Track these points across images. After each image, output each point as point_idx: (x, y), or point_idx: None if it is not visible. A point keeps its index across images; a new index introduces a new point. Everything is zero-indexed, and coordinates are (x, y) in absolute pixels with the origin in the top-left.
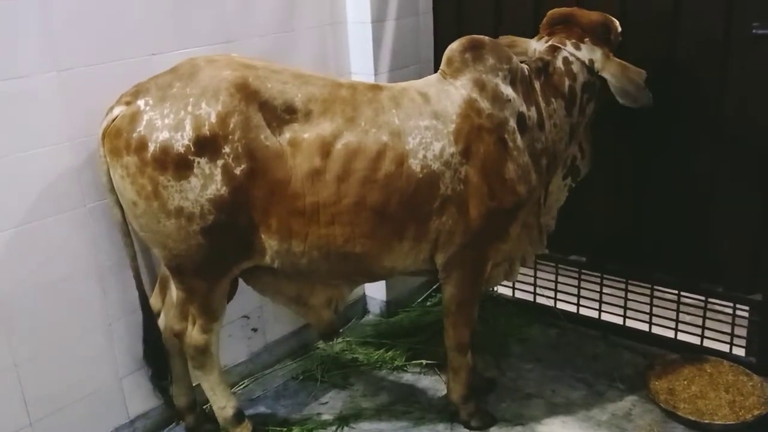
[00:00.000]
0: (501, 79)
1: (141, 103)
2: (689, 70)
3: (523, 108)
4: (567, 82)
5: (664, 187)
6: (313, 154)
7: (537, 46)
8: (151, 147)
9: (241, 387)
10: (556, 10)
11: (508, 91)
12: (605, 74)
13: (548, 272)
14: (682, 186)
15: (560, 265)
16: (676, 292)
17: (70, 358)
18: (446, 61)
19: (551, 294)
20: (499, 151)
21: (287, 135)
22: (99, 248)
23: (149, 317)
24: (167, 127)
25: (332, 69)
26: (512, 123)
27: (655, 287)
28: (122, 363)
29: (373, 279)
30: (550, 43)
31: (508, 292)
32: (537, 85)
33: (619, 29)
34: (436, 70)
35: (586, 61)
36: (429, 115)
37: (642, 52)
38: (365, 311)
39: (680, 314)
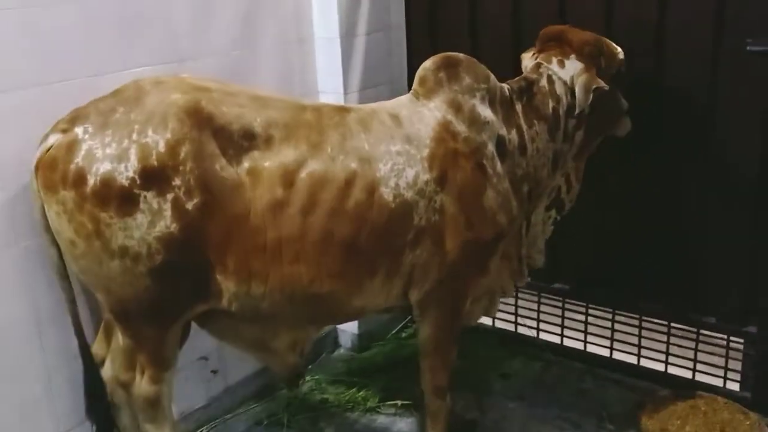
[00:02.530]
0: (478, 99)
1: (79, 130)
2: (679, 91)
3: (503, 131)
4: (550, 104)
5: (653, 212)
6: (274, 184)
7: (527, 63)
8: (91, 180)
9: None
10: (550, 27)
11: (486, 112)
12: (576, 86)
13: (530, 301)
14: (672, 211)
15: (543, 294)
16: (666, 322)
17: (6, 411)
18: (419, 81)
19: (533, 324)
20: (477, 177)
21: (246, 164)
22: (36, 291)
23: (90, 368)
24: (109, 157)
25: (298, 88)
26: (491, 147)
27: (644, 317)
28: (63, 416)
29: (342, 321)
30: (537, 60)
31: (488, 321)
32: (518, 106)
33: (619, 56)
34: (409, 89)
35: (568, 81)
36: (401, 139)
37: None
38: (336, 345)
39: (671, 346)
